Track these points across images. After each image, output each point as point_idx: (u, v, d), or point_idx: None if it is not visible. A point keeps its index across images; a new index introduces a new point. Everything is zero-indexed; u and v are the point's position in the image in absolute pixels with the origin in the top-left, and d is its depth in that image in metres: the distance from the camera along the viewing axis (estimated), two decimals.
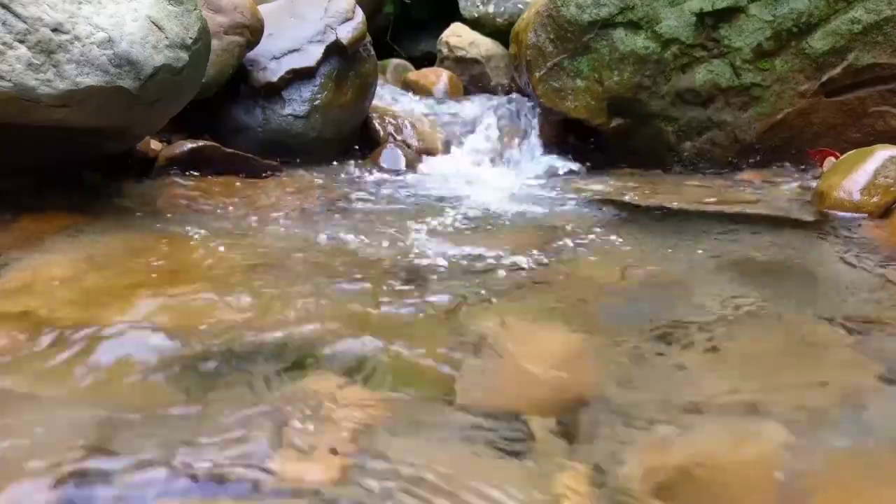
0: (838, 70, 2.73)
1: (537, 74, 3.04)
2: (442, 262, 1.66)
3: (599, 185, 2.63)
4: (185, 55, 1.93)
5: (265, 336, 1.19)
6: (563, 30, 2.95)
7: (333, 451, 0.87)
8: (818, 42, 2.72)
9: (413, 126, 3.20)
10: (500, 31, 4.16)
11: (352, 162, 2.92)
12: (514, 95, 3.48)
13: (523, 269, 1.64)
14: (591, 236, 1.90)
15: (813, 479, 0.88)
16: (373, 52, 3.23)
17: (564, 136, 3.24)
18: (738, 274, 1.61)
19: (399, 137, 3.13)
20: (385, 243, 1.78)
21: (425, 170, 2.92)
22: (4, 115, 1.72)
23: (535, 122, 3.27)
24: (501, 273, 1.60)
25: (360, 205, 2.25)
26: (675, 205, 2.30)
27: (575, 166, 3.08)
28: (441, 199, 2.37)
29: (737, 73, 2.82)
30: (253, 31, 2.81)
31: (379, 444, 0.90)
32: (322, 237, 1.83)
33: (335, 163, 2.85)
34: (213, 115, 2.81)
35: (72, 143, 2.01)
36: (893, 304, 1.43)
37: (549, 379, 1.12)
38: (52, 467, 0.82)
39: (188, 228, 1.84)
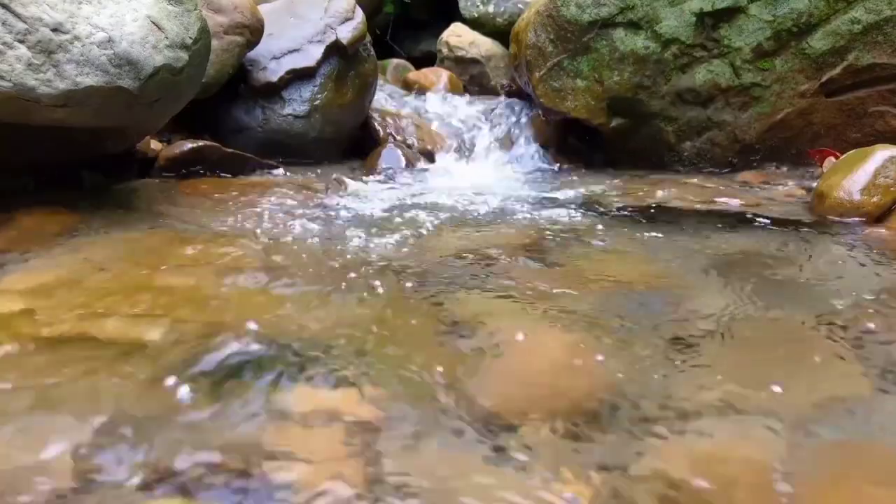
0: (838, 70, 2.74)
1: (537, 74, 3.04)
2: (439, 262, 1.66)
3: (599, 185, 2.63)
4: (185, 55, 1.93)
5: (264, 336, 1.19)
6: (563, 30, 2.95)
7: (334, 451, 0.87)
8: (818, 42, 2.72)
9: (413, 126, 3.20)
10: (500, 31, 4.17)
11: (352, 162, 2.92)
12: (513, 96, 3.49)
13: (523, 269, 1.64)
14: (590, 236, 1.90)
15: (814, 482, 0.88)
16: (373, 52, 3.23)
17: (564, 136, 3.24)
18: (738, 274, 1.61)
19: (399, 137, 3.13)
20: (382, 243, 1.78)
21: (425, 169, 2.92)
22: (4, 114, 1.73)
23: (535, 122, 3.27)
24: (500, 274, 1.60)
25: (358, 204, 2.25)
26: (674, 205, 2.30)
27: (574, 166, 3.08)
28: (440, 198, 2.37)
29: (737, 73, 2.82)
30: (253, 31, 2.81)
31: (379, 445, 0.90)
32: (320, 237, 1.83)
33: (335, 162, 2.85)
34: (213, 115, 2.82)
35: (72, 143, 2.01)
36: (893, 304, 1.43)
37: (551, 380, 1.12)
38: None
39: (188, 228, 1.84)
